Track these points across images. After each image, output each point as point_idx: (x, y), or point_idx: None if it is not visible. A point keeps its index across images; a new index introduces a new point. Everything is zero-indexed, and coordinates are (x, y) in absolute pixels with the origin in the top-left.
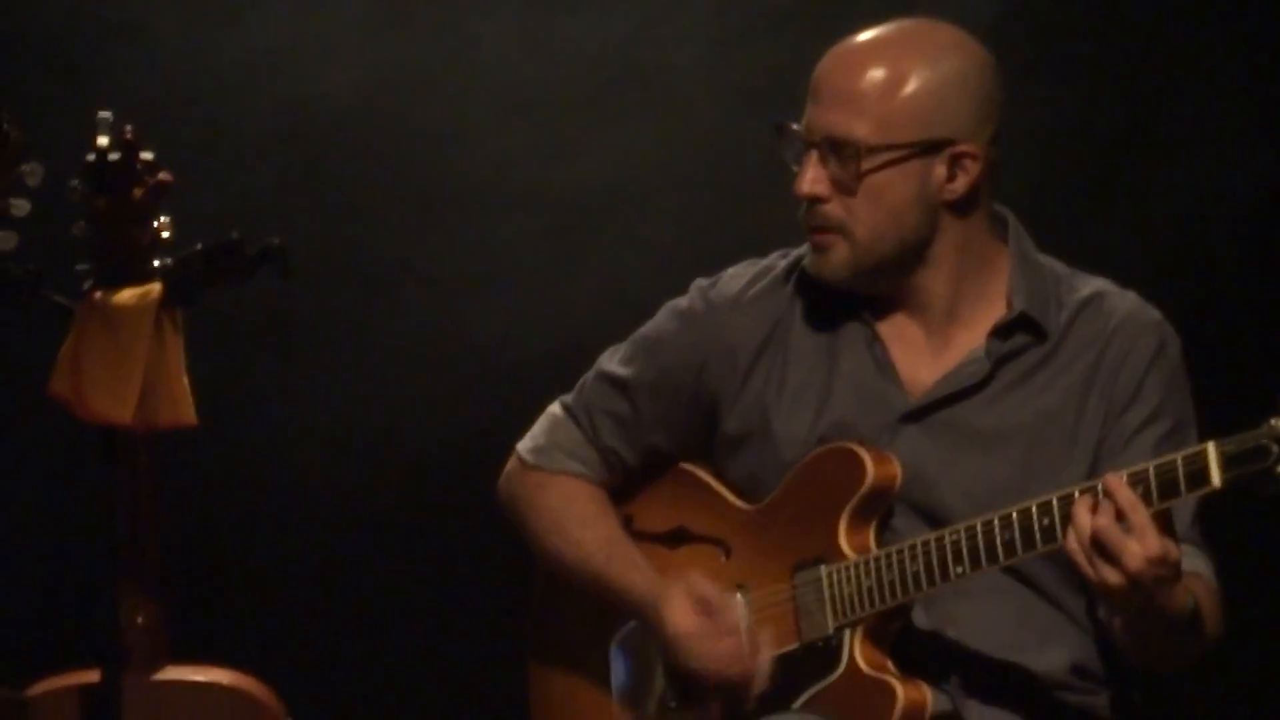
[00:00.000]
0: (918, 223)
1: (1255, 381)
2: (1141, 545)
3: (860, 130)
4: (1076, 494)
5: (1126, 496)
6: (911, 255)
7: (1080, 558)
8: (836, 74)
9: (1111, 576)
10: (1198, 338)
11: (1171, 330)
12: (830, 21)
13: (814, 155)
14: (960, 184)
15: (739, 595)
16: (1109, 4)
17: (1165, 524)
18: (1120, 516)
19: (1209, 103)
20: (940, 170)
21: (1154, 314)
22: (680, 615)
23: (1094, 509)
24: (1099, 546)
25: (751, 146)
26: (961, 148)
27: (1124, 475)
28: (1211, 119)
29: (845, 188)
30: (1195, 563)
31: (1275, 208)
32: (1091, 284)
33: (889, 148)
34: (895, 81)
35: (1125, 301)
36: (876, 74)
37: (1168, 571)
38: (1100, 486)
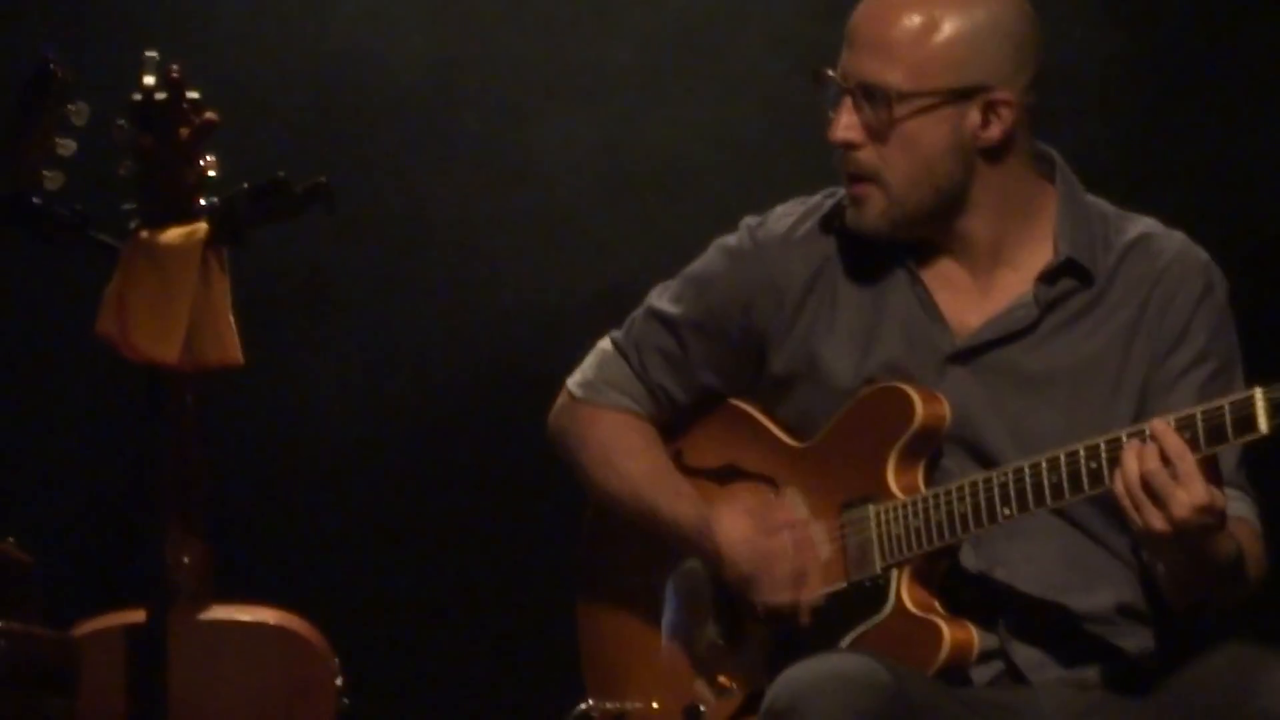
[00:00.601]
0: (952, 169)
1: None
2: (1188, 493)
3: (893, 77)
4: (1124, 438)
5: (1174, 443)
6: (949, 202)
7: (1127, 502)
8: (870, 20)
9: (1157, 522)
10: (1247, 279)
11: (1219, 271)
12: None
13: (848, 101)
14: (995, 130)
15: (790, 493)
16: None
17: (1211, 471)
18: (1167, 462)
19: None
20: (974, 117)
21: (1201, 255)
22: (730, 525)
23: (1140, 454)
24: (1148, 492)
25: (801, 109)
26: (996, 94)
27: (1171, 420)
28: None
29: (879, 135)
30: (1239, 507)
31: None
32: (1139, 225)
33: (922, 94)
34: (928, 27)
35: (1172, 242)
36: (910, 20)
37: (1213, 519)
38: (1147, 430)
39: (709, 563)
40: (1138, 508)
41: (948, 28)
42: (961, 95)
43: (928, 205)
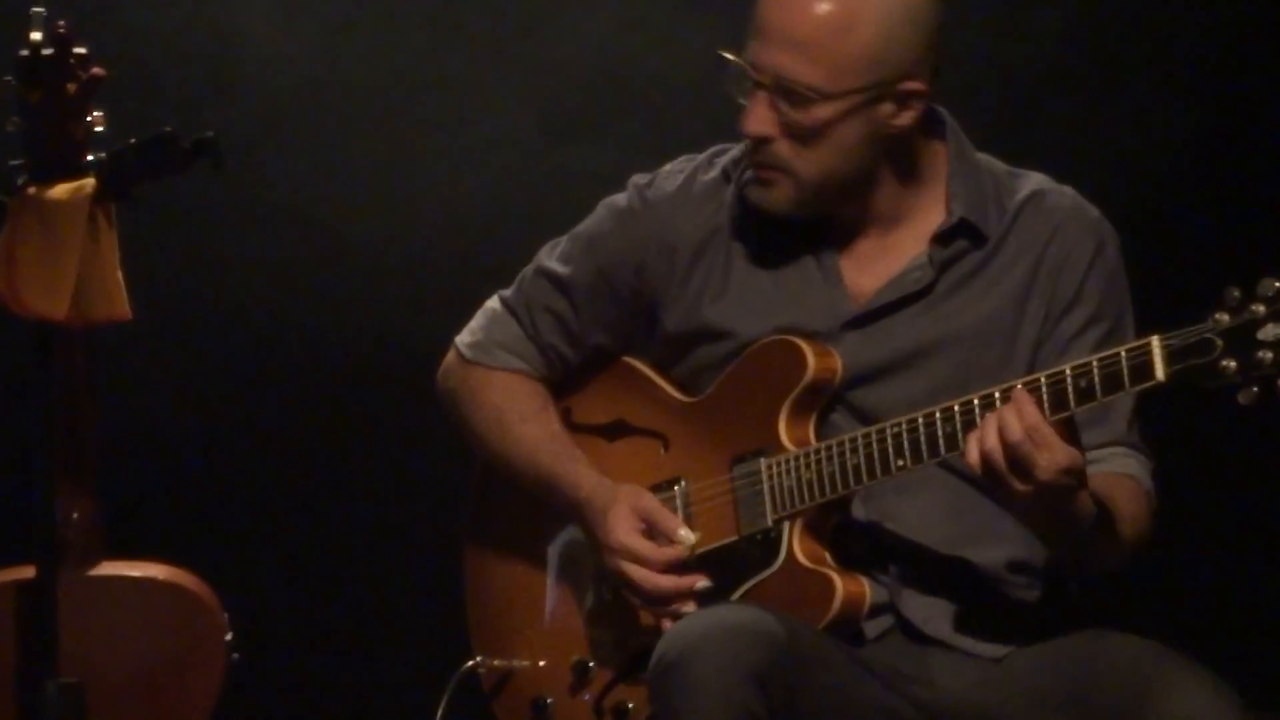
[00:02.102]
0: (863, 158)
1: (1195, 279)
2: (1048, 456)
3: (812, 76)
4: (997, 395)
5: (1030, 410)
6: (854, 186)
7: (983, 470)
8: (784, 12)
9: (1019, 485)
10: (1137, 234)
11: (1110, 228)
12: None
13: (761, 94)
14: (907, 119)
15: (681, 531)
16: None
17: (1068, 432)
18: (1026, 429)
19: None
20: (889, 108)
21: (1092, 212)
22: (623, 530)
23: (1000, 423)
24: (1011, 458)
25: None
26: (910, 85)
27: (1068, 369)
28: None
29: (794, 131)
30: (1128, 463)
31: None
32: (1030, 182)
33: (842, 94)
34: (846, 23)
35: (1064, 200)
36: (827, 14)
37: (1073, 480)
38: (997, 395)
39: (594, 545)
40: (998, 476)
41: (864, 23)
42: (880, 91)
43: (835, 191)
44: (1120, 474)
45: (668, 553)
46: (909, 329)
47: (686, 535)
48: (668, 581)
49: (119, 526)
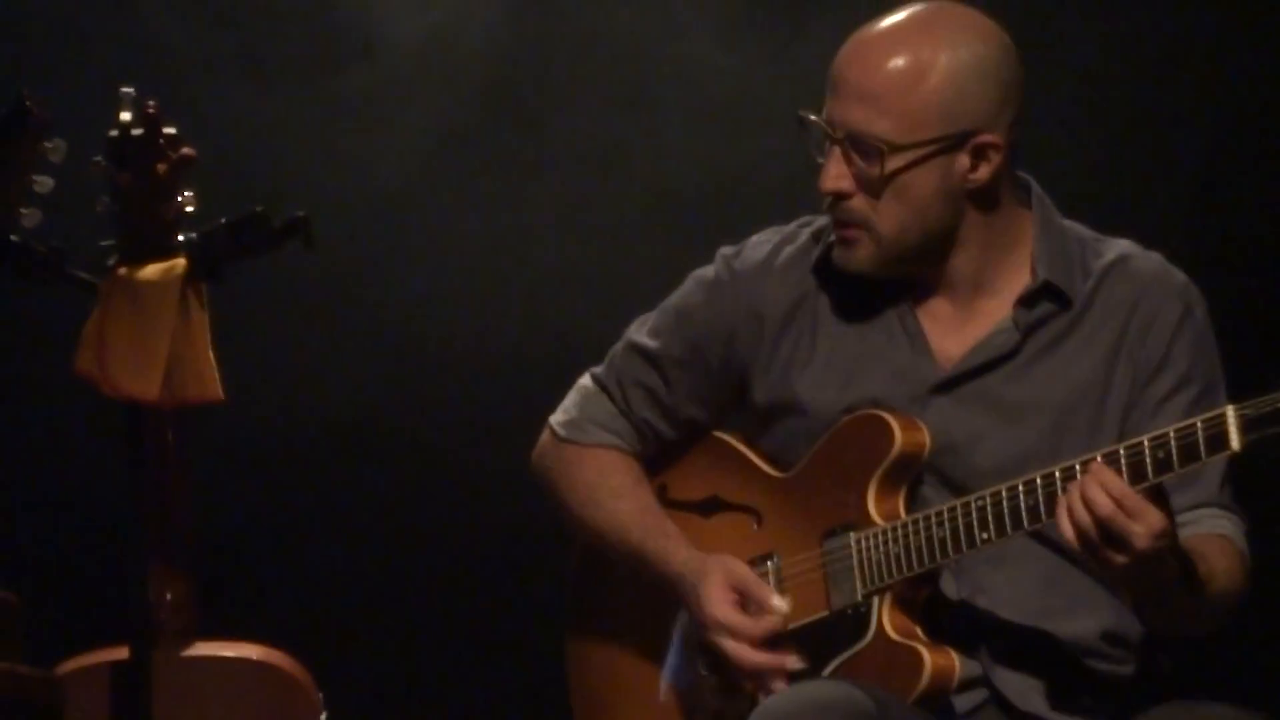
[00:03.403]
0: (942, 213)
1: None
2: (1145, 524)
3: (883, 128)
4: (1078, 466)
5: (1114, 481)
6: (936, 243)
7: (1080, 545)
8: (856, 68)
9: (1118, 558)
10: (1226, 297)
11: (1197, 292)
12: None
13: (837, 151)
14: (984, 173)
15: (774, 599)
16: None
17: (1157, 496)
18: (1115, 501)
19: None
20: (964, 161)
21: (1179, 276)
22: (717, 604)
23: (1088, 498)
24: (1105, 534)
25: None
26: (985, 138)
27: (1145, 441)
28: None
29: (869, 185)
30: (1222, 524)
31: None
32: (1116, 247)
33: (913, 145)
34: (916, 75)
35: (1150, 264)
36: (897, 68)
37: (1165, 543)
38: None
39: (692, 617)
40: (1094, 549)
41: (935, 75)
42: (952, 143)
43: (916, 248)
44: (1213, 534)
45: (762, 625)
46: (996, 394)
47: (780, 605)
48: (762, 658)
49: (213, 607)
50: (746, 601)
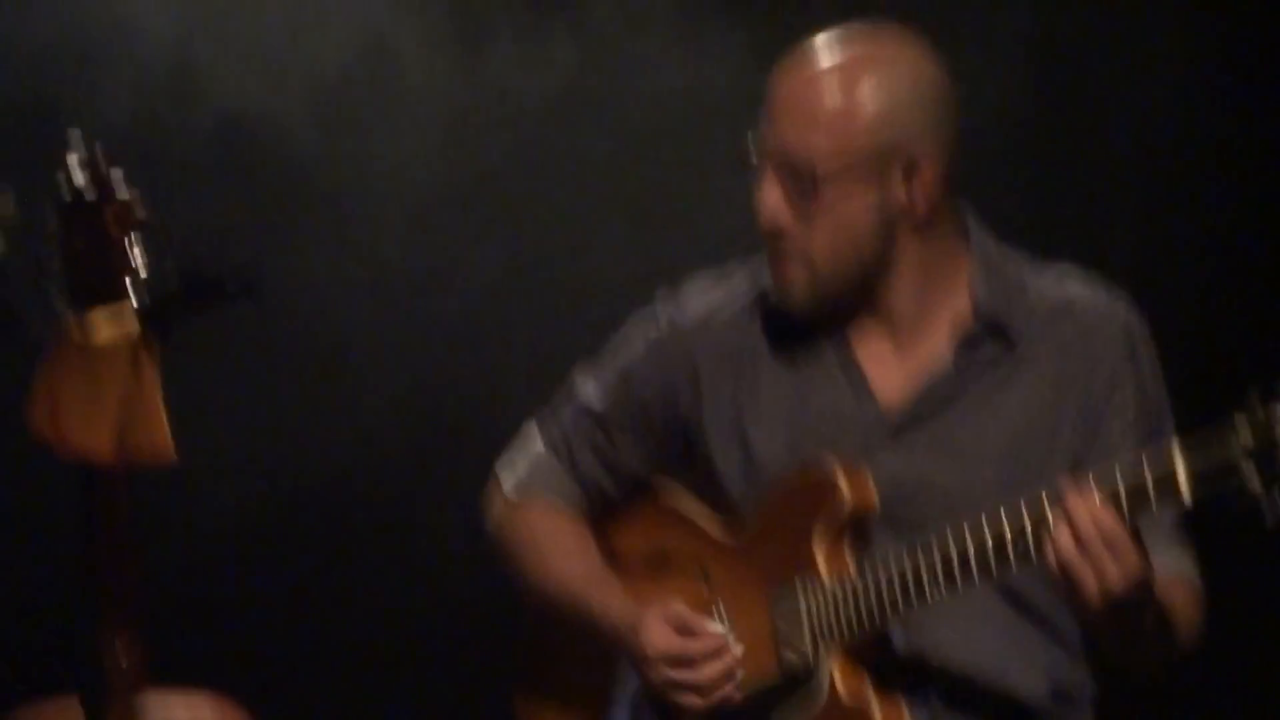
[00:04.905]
0: (876, 241)
1: (1224, 363)
2: (1123, 565)
3: (816, 154)
4: (1047, 510)
5: (1105, 516)
6: (873, 273)
7: (1060, 576)
8: (790, 91)
9: (1092, 593)
10: (1168, 323)
11: (1141, 325)
12: None
13: (771, 176)
14: (919, 197)
15: (716, 620)
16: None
17: (1138, 539)
18: (1101, 534)
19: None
20: (899, 190)
21: (1121, 310)
22: (657, 636)
23: (1073, 527)
24: (1087, 562)
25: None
26: (919, 165)
27: (1095, 493)
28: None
29: (803, 211)
30: (1183, 564)
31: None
32: (1057, 276)
33: (846, 170)
34: (850, 101)
35: (1093, 297)
36: (831, 92)
37: (1146, 590)
38: (1069, 506)
39: (636, 665)
40: (1075, 580)
41: (870, 101)
42: (886, 169)
43: (851, 277)
44: (1176, 577)
45: (704, 640)
46: (943, 437)
47: (720, 628)
48: (711, 669)
49: (161, 656)
50: (685, 632)
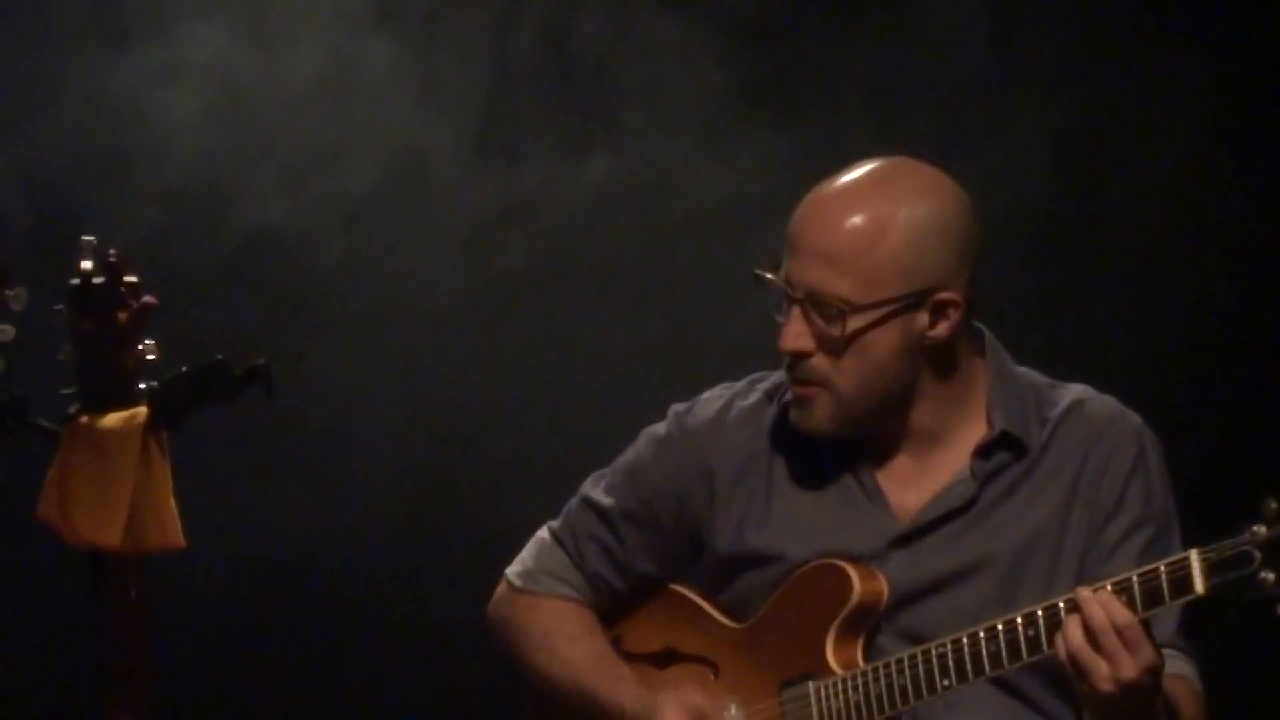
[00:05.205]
0: (901, 371)
1: (1239, 480)
2: (1136, 656)
3: (843, 288)
4: (1061, 606)
5: (1119, 610)
6: (896, 400)
7: (1071, 668)
8: (815, 227)
9: (1105, 685)
10: (1181, 439)
11: (1151, 435)
12: None
13: (796, 310)
14: (943, 329)
15: (732, 710)
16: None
17: (1149, 633)
18: (1114, 627)
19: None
20: (923, 319)
21: (1133, 420)
22: (672, 718)
23: (1086, 619)
24: (1099, 654)
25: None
26: (944, 295)
27: (1109, 585)
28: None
29: (830, 344)
30: (1181, 665)
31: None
32: (1071, 393)
33: (873, 305)
34: (876, 235)
35: (1104, 408)
36: (856, 227)
37: (1155, 680)
38: (1076, 600)
39: None
40: (1086, 672)
41: (894, 234)
42: (912, 302)
43: (876, 406)
44: (1176, 675)
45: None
46: (954, 546)
47: (733, 714)
48: None
49: None
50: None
